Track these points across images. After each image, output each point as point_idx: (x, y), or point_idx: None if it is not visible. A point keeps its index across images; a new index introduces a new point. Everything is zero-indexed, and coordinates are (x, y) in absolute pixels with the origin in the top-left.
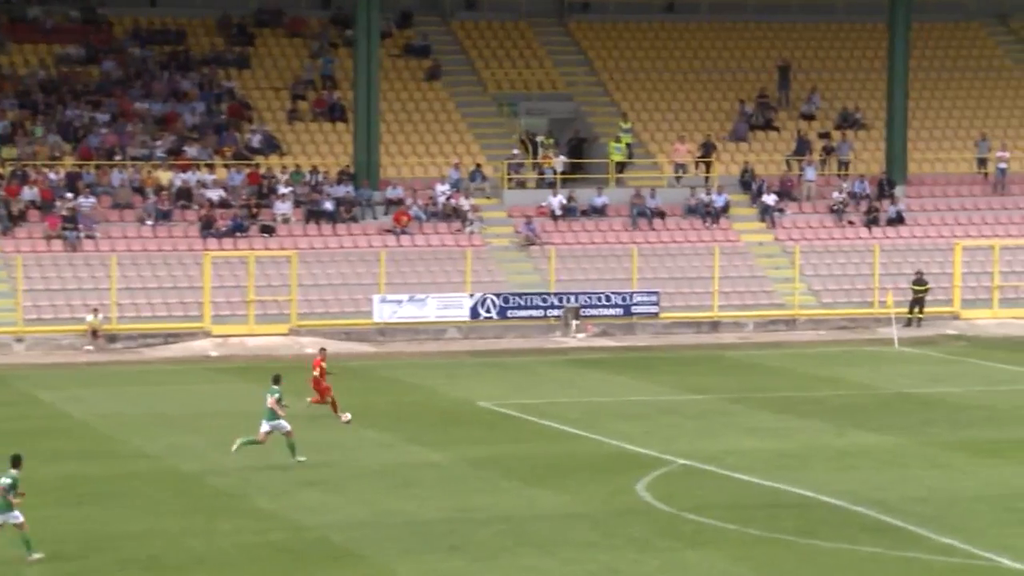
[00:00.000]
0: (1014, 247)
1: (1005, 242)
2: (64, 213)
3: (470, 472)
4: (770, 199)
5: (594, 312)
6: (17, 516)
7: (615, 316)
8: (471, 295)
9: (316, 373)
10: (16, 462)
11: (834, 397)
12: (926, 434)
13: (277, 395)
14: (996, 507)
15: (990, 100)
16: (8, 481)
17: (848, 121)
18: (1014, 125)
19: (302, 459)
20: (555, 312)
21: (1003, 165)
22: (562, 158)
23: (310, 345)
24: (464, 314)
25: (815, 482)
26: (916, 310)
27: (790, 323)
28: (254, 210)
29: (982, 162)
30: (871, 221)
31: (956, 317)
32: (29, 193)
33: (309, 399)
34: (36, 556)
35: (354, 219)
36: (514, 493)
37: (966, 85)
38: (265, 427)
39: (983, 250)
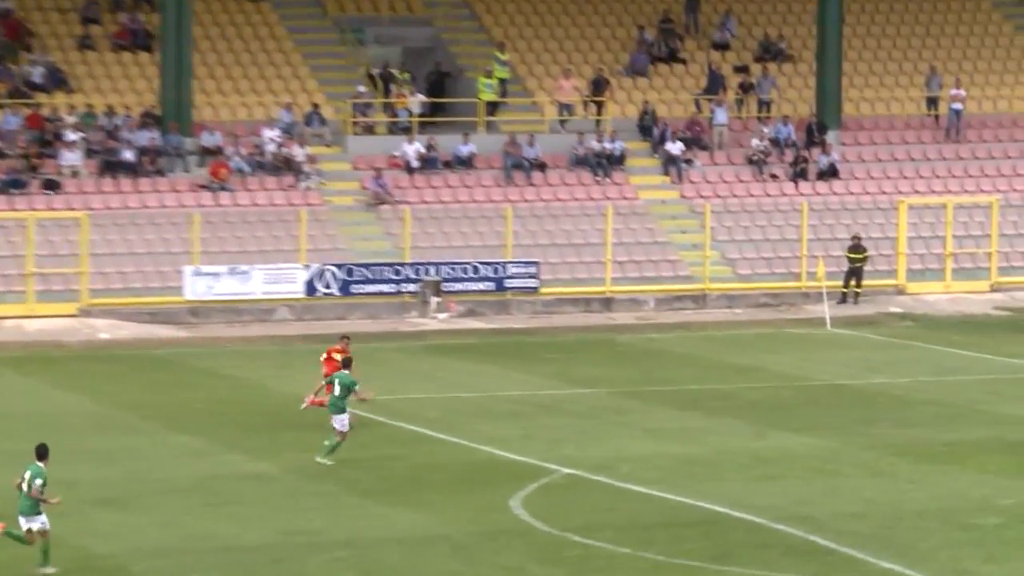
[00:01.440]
0: (970, 205)
1: (960, 199)
2: None
3: (304, 486)
4: (675, 147)
5: (459, 287)
6: (44, 521)
7: (485, 292)
8: (306, 266)
9: (323, 358)
10: (43, 453)
11: (752, 390)
12: (864, 435)
13: (356, 385)
14: (948, 524)
15: (941, 27)
16: (40, 481)
17: (770, 52)
18: (970, 57)
19: (326, 462)
20: (411, 287)
21: (957, 106)
22: (420, 97)
23: (105, 329)
24: (298, 290)
25: (729, 495)
26: (852, 283)
27: (699, 299)
28: (34, 161)
29: (932, 102)
30: (798, 174)
31: (901, 291)
32: None
33: (306, 400)
34: (50, 571)
35: (160, 172)
36: (359, 511)
37: (913, 8)
38: (344, 420)
39: (933, 209)
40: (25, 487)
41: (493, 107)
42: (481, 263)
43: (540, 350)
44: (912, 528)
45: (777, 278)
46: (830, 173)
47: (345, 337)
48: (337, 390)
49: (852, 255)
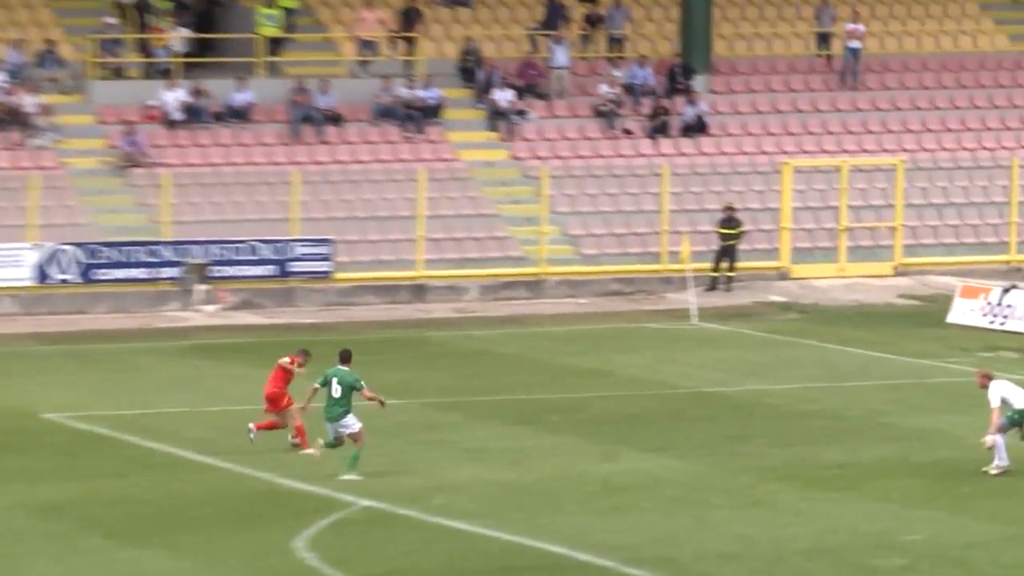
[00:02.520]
0: (871, 169)
1: (858, 161)
2: None
3: (32, 524)
4: (505, 96)
5: (232, 271)
6: None
7: (265, 277)
8: (37, 246)
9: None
10: None
11: (600, 400)
12: (739, 455)
13: (361, 382)
14: (841, 565)
15: None
16: None
17: None
18: None
19: (354, 477)
20: (170, 272)
21: (855, 44)
22: (183, 32)
23: None
24: (25, 276)
25: (571, 532)
26: (724, 265)
27: (535, 286)
28: None
29: (823, 40)
30: (657, 129)
31: (784, 276)
32: None
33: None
34: None
35: None
36: (102, 556)
37: None
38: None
39: (825, 173)
40: None
41: (276, 45)
42: (260, 242)
43: (334, 351)
44: (797, 571)
45: (631, 260)
46: (697, 128)
47: (305, 352)
48: (337, 391)
49: (724, 230)
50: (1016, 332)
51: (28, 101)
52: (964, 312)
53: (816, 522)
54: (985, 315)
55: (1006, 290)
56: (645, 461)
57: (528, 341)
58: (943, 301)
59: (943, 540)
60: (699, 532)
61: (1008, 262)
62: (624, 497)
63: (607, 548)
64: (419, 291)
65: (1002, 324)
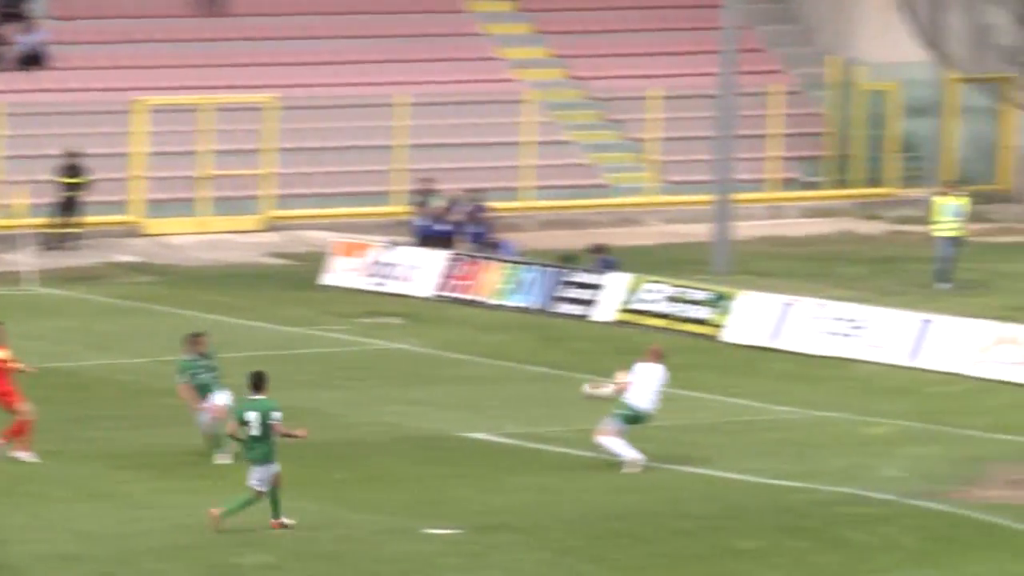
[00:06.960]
0: (237, 107)
1: (222, 98)
2: None
3: None
4: None
5: None
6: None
7: None
8: None
9: None
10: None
11: None
12: (82, 441)
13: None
14: (198, 564)
15: None
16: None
17: None
18: None
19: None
20: None
21: None
22: None
23: None
24: None
25: None
26: (68, 218)
27: None
28: None
29: None
30: None
31: (136, 232)
32: None
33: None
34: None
35: None
36: None
37: None
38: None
39: (184, 112)
40: (254, 429)
41: None
42: None
43: None
44: (147, 572)
45: None
46: (35, 61)
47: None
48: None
49: (66, 180)
50: (400, 295)
51: None
52: (342, 272)
53: (171, 516)
54: (369, 275)
55: (387, 247)
56: None
57: None
58: (319, 260)
59: (316, 533)
60: (34, 531)
61: (391, 215)
62: None
63: None
64: None
65: (382, 285)
